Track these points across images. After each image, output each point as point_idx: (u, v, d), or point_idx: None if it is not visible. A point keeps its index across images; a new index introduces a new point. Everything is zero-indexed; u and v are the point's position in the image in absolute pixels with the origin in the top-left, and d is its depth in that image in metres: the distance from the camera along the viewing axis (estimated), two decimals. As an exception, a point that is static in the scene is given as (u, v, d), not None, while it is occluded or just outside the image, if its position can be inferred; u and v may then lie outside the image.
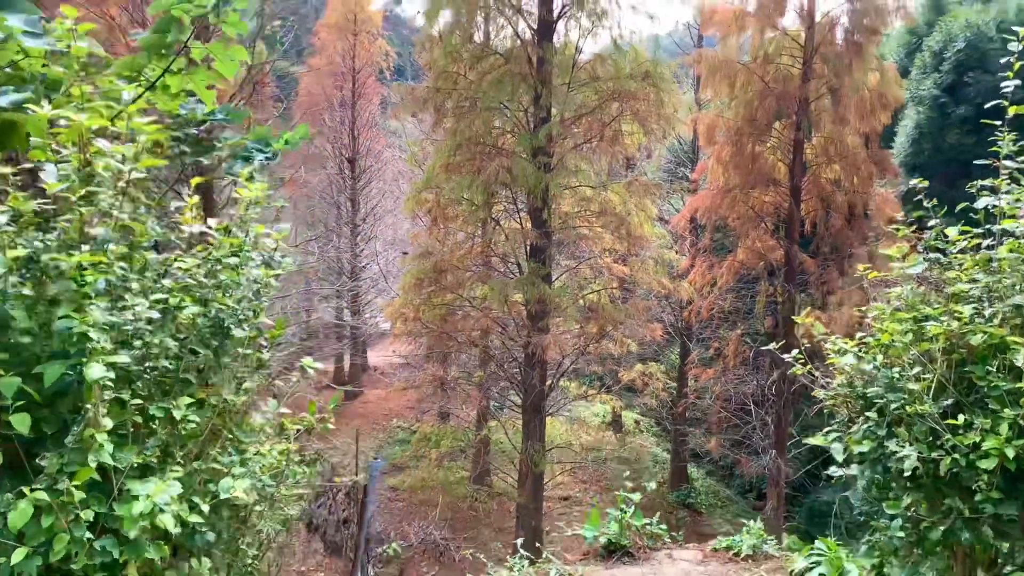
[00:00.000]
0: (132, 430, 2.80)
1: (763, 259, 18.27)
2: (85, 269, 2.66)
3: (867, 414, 3.40)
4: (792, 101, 16.31)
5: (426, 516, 16.15)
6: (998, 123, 3.63)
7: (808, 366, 3.88)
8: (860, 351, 3.56)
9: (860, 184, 16.95)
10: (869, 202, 17.51)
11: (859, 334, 3.63)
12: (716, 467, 24.79)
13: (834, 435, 3.47)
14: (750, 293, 19.80)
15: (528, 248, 14.45)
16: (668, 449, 25.01)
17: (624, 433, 27.91)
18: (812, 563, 5.03)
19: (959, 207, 3.90)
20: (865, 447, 3.30)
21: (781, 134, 17.39)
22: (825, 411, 3.96)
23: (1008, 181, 3.60)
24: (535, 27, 14.32)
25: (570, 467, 18.84)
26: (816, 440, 3.46)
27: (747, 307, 20.14)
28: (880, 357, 3.42)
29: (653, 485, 3.92)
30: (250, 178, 3.58)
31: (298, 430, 4.34)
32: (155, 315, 2.92)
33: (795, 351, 3.89)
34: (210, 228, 3.53)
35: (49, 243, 2.60)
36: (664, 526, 5.04)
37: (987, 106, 3.75)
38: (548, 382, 15.67)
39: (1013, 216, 3.54)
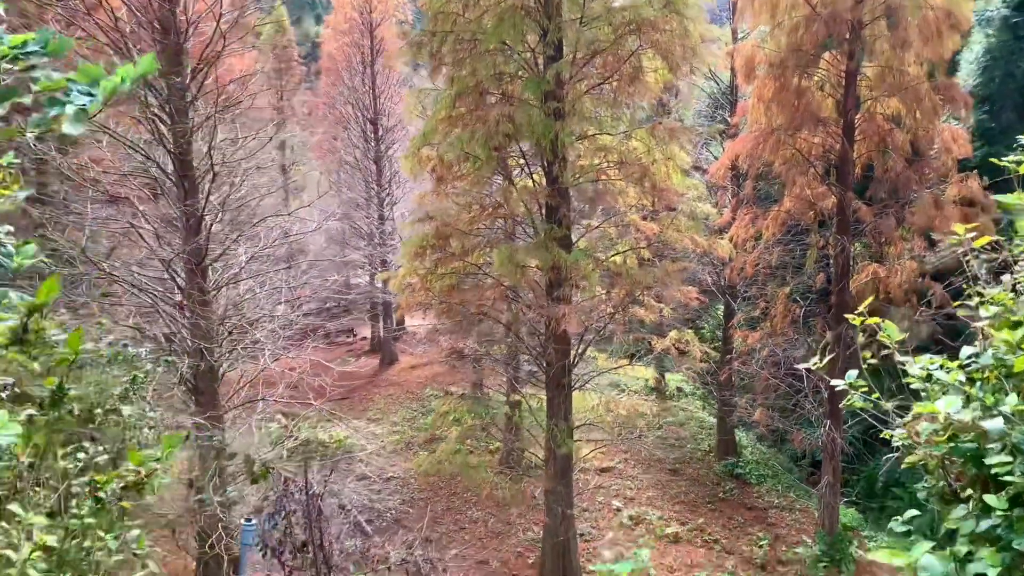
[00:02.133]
0: None
1: (813, 208, 16.35)
2: None
3: (986, 498, 1.87)
4: (843, 26, 14.17)
5: (424, 515, 14.94)
6: None
7: (875, 394, 2.35)
8: (968, 383, 2.00)
9: (923, 119, 14.73)
10: (934, 139, 15.36)
11: (966, 350, 2.05)
12: (767, 432, 23.19)
13: (925, 546, 1.85)
14: (799, 246, 17.92)
15: (542, 208, 12.88)
16: (714, 414, 23.45)
17: (667, 398, 26.40)
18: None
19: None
20: (988, 567, 1.77)
21: (831, 65, 15.27)
22: (901, 460, 2.43)
23: None
24: (540, -47, 12.51)
25: (603, 445, 17.44)
26: (885, 556, 1.89)
27: (796, 262, 18.26)
28: (1014, 397, 1.86)
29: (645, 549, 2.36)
30: None
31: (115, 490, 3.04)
32: None
33: (853, 372, 2.36)
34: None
35: None
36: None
37: None
38: (572, 353, 14.19)
39: None
